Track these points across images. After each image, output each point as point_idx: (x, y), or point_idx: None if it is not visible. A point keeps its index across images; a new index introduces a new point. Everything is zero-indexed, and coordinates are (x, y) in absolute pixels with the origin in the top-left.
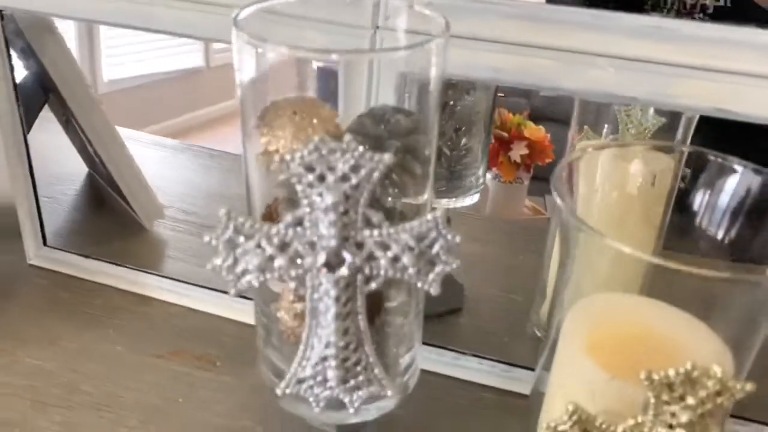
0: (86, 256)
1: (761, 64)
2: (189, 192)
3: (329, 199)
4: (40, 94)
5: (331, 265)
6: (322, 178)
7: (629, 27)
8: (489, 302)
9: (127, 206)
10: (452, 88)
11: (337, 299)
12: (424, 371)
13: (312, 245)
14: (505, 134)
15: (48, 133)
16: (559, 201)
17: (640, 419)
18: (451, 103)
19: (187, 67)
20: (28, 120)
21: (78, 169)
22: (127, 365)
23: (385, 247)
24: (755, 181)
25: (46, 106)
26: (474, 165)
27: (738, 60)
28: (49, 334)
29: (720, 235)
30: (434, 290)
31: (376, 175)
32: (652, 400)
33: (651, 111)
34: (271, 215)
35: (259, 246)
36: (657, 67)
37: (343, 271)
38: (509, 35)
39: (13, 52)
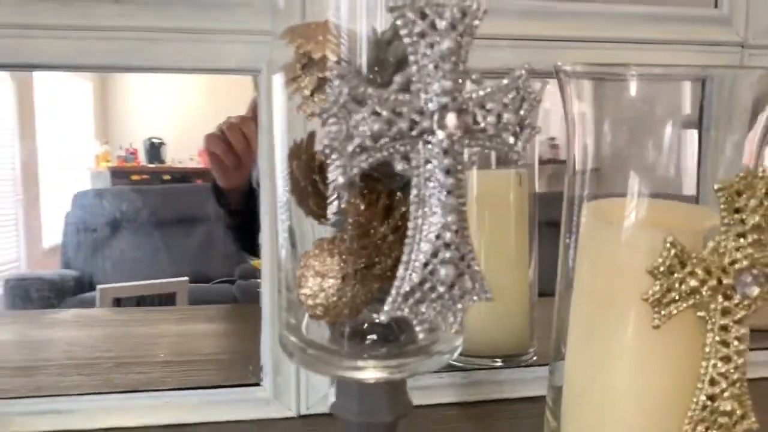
0: None
1: None
2: None
3: (445, 44)
4: None
5: (445, 127)
6: (433, 26)
7: None
8: None
9: None
10: None
11: (448, 172)
12: None
13: (420, 111)
14: None
15: None
16: None
17: (716, 239)
18: None
19: None
20: None
21: None
22: None
23: (485, 108)
24: None
25: None
26: None
27: None
28: None
29: None
30: (522, 160)
31: (476, 23)
32: (724, 212)
33: None
34: (299, 152)
35: (375, 112)
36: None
37: (460, 129)
38: None
39: None
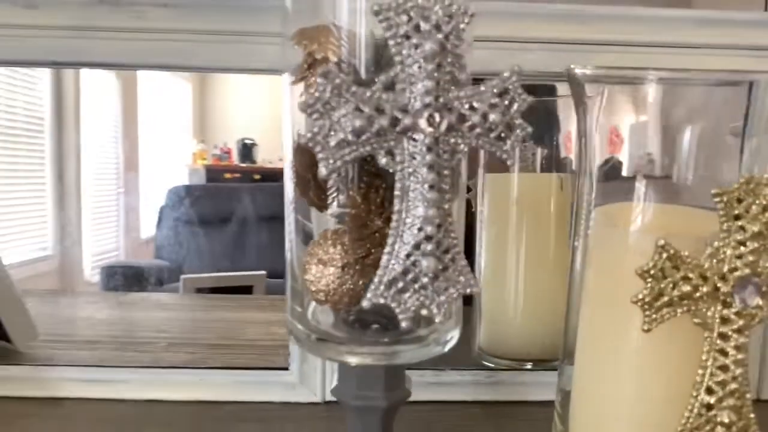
0: None
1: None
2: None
3: (428, 46)
4: None
5: (428, 124)
6: (417, 28)
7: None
8: None
9: None
10: None
11: (431, 167)
12: None
13: (404, 109)
14: None
15: None
16: None
17: (716, 244)
18: None
19: None
20: None
21: None
22: None
23: (472, 108)
24: None
25: None
26: None
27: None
28: None
29: None
30: (510, 160)
31: (462, 26)
32: (722, 219)
33: None
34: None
35: (358, 108)
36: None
37: (441, 127)
38: None
39: None
